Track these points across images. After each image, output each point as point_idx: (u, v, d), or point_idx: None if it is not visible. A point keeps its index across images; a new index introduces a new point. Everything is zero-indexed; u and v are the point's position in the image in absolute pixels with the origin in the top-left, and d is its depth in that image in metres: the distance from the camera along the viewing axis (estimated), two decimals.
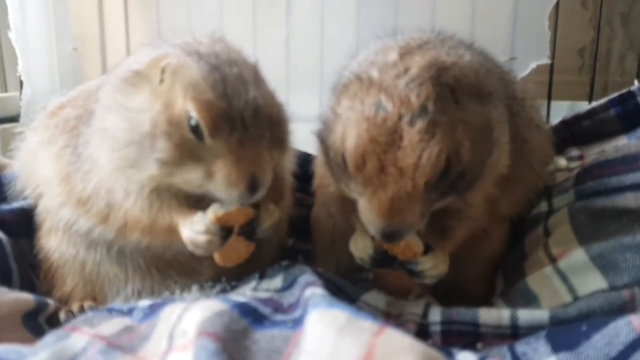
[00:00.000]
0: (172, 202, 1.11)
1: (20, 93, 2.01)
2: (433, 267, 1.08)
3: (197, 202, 1.11)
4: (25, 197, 1.33)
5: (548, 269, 1.06)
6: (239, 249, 1.12)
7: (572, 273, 1.03)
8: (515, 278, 1.14)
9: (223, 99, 1.00)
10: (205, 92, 1.00)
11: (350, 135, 0.96)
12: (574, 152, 1.54)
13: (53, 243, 1.25)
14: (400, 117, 0.93)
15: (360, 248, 1.11)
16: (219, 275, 1.23)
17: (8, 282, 1.19)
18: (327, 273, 1.17)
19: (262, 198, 1.07)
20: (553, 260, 1.08)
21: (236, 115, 1.00)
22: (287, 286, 1.08)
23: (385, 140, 0.93)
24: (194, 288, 1.21)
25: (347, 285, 1.15)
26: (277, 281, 1.13)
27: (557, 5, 1.82)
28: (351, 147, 0.95)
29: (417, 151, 0.93)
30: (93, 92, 1.21)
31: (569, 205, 1.17)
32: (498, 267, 1.24)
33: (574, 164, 1.48)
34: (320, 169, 1.35)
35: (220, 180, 1.01)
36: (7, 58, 2.18)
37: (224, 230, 1.07)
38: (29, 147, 1.30)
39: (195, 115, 0.99)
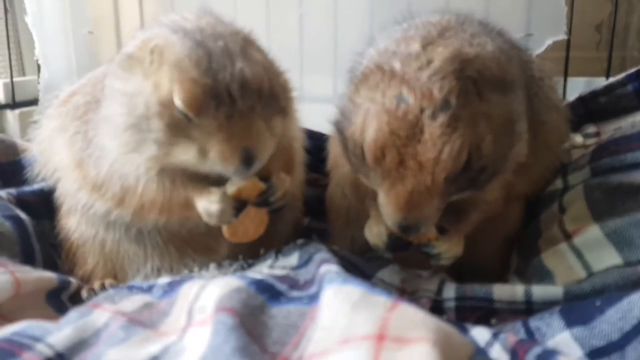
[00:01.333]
0: (184, 179, 1.12)
1: (38, 77, 2.03)
2: (448, 249, 1.09)
3: (205, 179, 1.11)
4: (44, 179, 1.35)
5: (563, 246, 1.06)
6: (248, 227, 1.13)
7: (587, 249, 1.03)
8: (530, 255, 1.14)
9: (207, 75, 1.00)
10: (189, 70, 1.00)
11: (370, 128, 0.95)
12: (590, 128, 1.52)
13: (73, 223, 1.27)
14: (422, 110, 0.92)
15: (375, 234, 1.12)
16: (235, 253, 1.25)
17: (31, 261, 1.21)
18: (342, 251, 1.18)
19: (271, 168, 1.09)
20: (568, 236, 1.08)
21: (222, 90, 1.00)
22: (303, 264, 1.10)
23: (405, 134, 0.93)
24: (212, 266, 1.23)
25: (361, 263, 1.16)
26: (292, 259, 1.14)
27: None
28: (371, 139, 0.95)
29: (438, 145, 0.92)
30: (100, 79, 1.22)
31: (585, 182, 1.16)
32: (513, 244, 1.24)
33: (590, 141, 1.46)
34: (334, 149, 1.36)
35: (214, 158, 1.02)
36: (24, 42, 2.20)
37: (238, 202, 1.09)
38: (45, 133, 1.32)
39: (179, 93, 1.00)
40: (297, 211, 1.43)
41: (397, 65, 0.97)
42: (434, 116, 0.92)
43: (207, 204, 1.09)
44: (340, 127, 1.06)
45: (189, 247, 1.24)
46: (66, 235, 1.29)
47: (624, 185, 1.08)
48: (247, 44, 1.09)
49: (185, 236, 1.23)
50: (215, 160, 1.02)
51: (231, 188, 1.09)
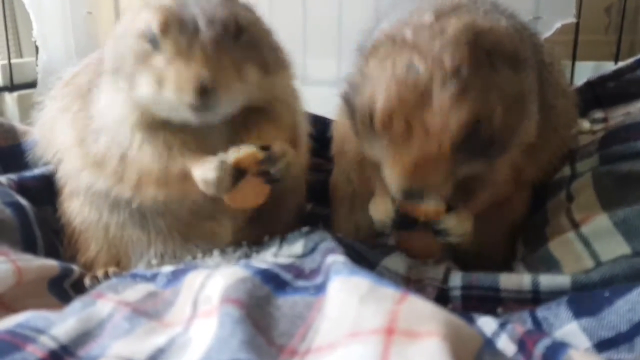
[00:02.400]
0: (182, 148, 1.10)
1: (36, 59, 2.00)
2: (457, 224, 1.07)
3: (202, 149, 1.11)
4: (45, 162, 1.34)
5: (570, 234, 1.05)
6: (248, 194, 1.11)
7: (595, 238, 1.02)
8: (537, 243, 1.13)
9: (179, 5, 1.03)
10: (164, 1, 1.04)
11: (379, 95, 0.95)
12: (598, 114, 1.50)
13: (75, 206, 1.26)
14: (432, 78, 0.92)
15: (381, 211, 1.11)
16: (239, 239, 1.24)
17: (33, 249, 1.20)
18: (347, 239, 1.17)
19: (271, 138, 1.09)
20: (576, 225, 1.06)
21: (189, 17, 1.01)
22: (308, 252, 1.09)
23: (414, 101, 0.92)
24: (216, 253, 1.22)
25: (366, 251, 1.15)
26: (297, 247, 1.13)
27: None
28: (379, 106, 0.94)
29: (446, 112, 0.92)
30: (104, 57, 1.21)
31: (593, 170, 1.15)
32: (519, 232, 1.23)
33: (598, 127, 1.44)
34: (339, 133, 1.34)
35: (169, 87, 1.00)
36: (21, 24, 2.17)
37: (237, 171, 1.07)
38: (48, 114, 1.31)
39: (150, 21, 1.02)
40: (301, 196, 1.42)
41: (408, 34, 0.96)
42: (444, 84, 0.91)
43: (204, 172, 1.07)
44: (347, 97, 1.06)
45: (193, 232, 1.23)
46: (68, 220, 1.28)
47: (634, 173, 1.07)
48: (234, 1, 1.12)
49: (189, 221, 1.22)
50: (170, 90, 1.00)
51: (230, 157, 1.07)
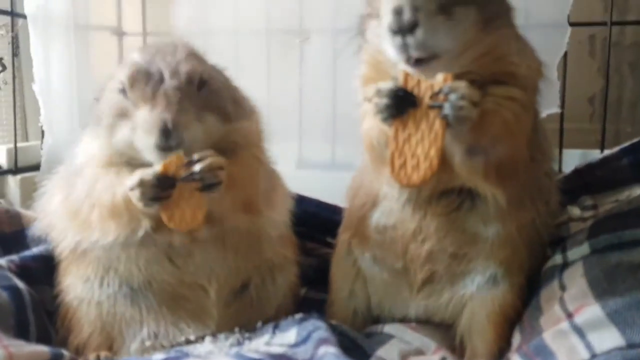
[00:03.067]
0: (128, 175, 1.15)
1: (42, 142, 2.06)
2: (468, 87, 1.02)
3: None
4: (45, 241, 1.37)
5: (564, 325, 1.04)
6: (184, 211, 1.12)
7: (589, 329, 1.01)
8: (532, 334, 1.13)
9: (146, 61, 1.16)
10: (134, 58, 1.18)
11: None
12: (588, 201, 1.53)
13: (69, 282, 1.28)
14: None
15: (382, 84, 1.06)
16: (230, 321, 1.25)
17: (25, 334, 1.20)
18: (342, 326, 1.17)
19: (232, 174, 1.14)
20: (569, 315, 1.06)
21: (154, 70, 1.14)
22: (301, 341, 1.08)
23: None
24: (207, 339, 1.22)
25: (362, 339, 1.15)
26: (290, 335, 1.13)
27: (565, 55, 1.85)
28: None
29: None
30: None
31: (584, 259, 1.16)
32: (514, 323, 1.23)
33: (588, 214, 1.47)
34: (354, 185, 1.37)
35: (139, 131, 1.11)
36: (29, 109, 2.24)
37: (163, 177, 1.10)
38: (47, 193, 1.37)
39: (121, 74, 1.15)
40: (292, 276, 1.42)
41: None
42: None
43: (130, 183, 1.12)
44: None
45: (182, 309, 1.24)
46: (63, 297, 1.29)
47: (623, 263, 1.08)
48: (196, 54, 1.24)
49: (175, 290, 1.23)
50: (139, 133, 1.11)
51: (157, 166, 1.11)
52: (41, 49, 2.00)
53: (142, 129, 1.10)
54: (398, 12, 0.97)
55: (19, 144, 2.06)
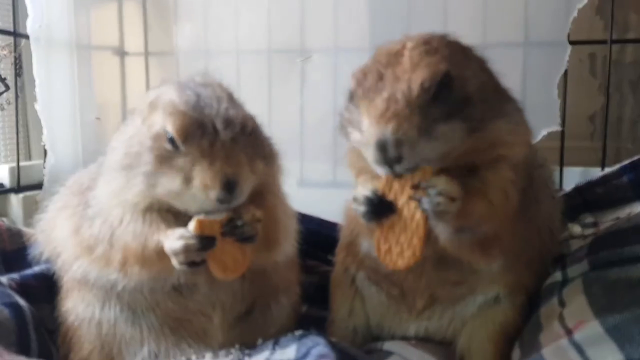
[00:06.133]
0: (161, 225, 1.14)
1: (44, 161, 2.07)
2: (448, 184, 1.03)
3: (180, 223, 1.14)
4: (46, 260, 1.37)
5: (564, 342, 1.04)
6: (226, 261, 1.11)
7: (588, 345, 1.01)
8: (531, 350, 1.12)
9: (194, 110, 1.10)
10: (179, 106, 1.11)
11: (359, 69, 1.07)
12: (588, 218, 1.53)
13: (70, 305, 1.28)
14: (404, 46, 1.04)
15: (358, 190, 1.10)
16: (232, 339, 1.24)
17: (26, 351, 1.20)
18: (341, 343, 1.16)
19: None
20: (569, 332, 1.06)
21: (207, 121, 1.09)
22: (301, 357, 1.07)
23: (386, 60, 1.02)
24: (208, 356, 1.21)
25: (362, 357, 1.13)
26: (290, 352, 1.11)
27: (565, 73, 1.86)
28: (356, 71, 1.05)
29: (415, 60, 1.00)
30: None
31: (583, 276, 1.16)
32: (514, 340, 1.22)
33: (589, 231, 1.47)
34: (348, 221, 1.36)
35: (197, 185, 1.07)
36: (32, 128, 2.26)
37: (205, 238, 1.09)
38: (49, 215, 1.36)
39: (169, 124, 1.09)
40: (294, 296, 1.42)
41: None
42: (415, 47, 1.03)
43: (171, 243, 1.10)
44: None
45: (184, 329, 1.23)
46: (64, 318, 1.29)
47: (622, 280, 1.08)
48: (233, 95, 1.20)
49: (179, 316, 1.22)
50: (198, 188, 1.07)
51: (192, 224, 1.09)
52: (44, 69, 2.03)
53: (202, 182, 1.07)
54: (382, 148, 0.98)
55: (22, 163, 2.08)
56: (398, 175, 1.04)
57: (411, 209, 1.05)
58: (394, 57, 1.03)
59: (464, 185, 1.06)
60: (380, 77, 1.01)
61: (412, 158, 0.99)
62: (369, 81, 1.02)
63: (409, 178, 1.04)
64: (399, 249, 1.06)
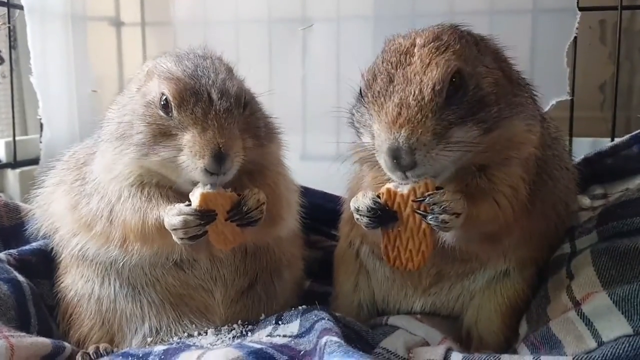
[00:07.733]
0: (160, 200, 1.14)
1: (40, 136, 2.05)
2: (452, 198, 1.01)
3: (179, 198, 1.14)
4: (43, 236, 1.36)
5: (571, 313, 1.03)
6: (233, 226, 1.10)
7: (596, 317, 0.99)
8: (539, 322, 1.11)
9: (191, 77, 1.10)
10: (175, 73, 1.11)
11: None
12: (598, 190, 1.51)
13: (69, 281, 1.28)
14: (413, 43, 1.00)
15: (359, 199, 1.07)
16: (235, 315, 1.24)
17: (27, 326, 1.20)
18: (346, 318, 1.15)
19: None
20: (577, 303, 1.04)
21: (202, 90, 1.09)
22: (304, 332, 1.07)
23: (396, 60, 0.99)
24: (209, 331, 1.21)
25: (365, 331, 1.13)
26: (293, 326, 1.11)
27: (575, 41, 1.81)
28: (365, 71, 1.03)
29: (426, 59, 0.96)
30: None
31: (592, 247, 1.14)
32: (522, 313, 1.21)
33: (598, 203, 1.44)
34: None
35: (187, 152, 1.07)
36: (27, 102, 2.23)
37: (205, 213, 1.08)
38: (46, 190, 1.35)
39: (164, 90, 1.09)
40: (298, 271, 1.42)
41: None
42: (424, 45, 0.99)
43: (170, 218, 1.09)
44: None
45: (185, 305, 1.23)
46: (63, 294, 1.29)
47: (632, 250, 1.06)
48: (232, 69, 1.20)
49: (180, 291, 1.22)
50: (188, 155, 1.07)
51: (195, 199, 1.08)
52: (39, 40, 1.98)
53: (191, 150, 1.06)
54: (395, 155, 0.95)
55: (18, 138, 2.06)
56: (413, 181, 1.01)
57: (417, 220, 1.04)
58: (403, 56, 0.99)
59: (471, 185, 1.06)
60: (391, 80, 0.98)
61: (427, 164, 0.96)
62: (379, 84, 0.98)
63: (412, 191, 1.02)
64: (407, 255, 1.06)
